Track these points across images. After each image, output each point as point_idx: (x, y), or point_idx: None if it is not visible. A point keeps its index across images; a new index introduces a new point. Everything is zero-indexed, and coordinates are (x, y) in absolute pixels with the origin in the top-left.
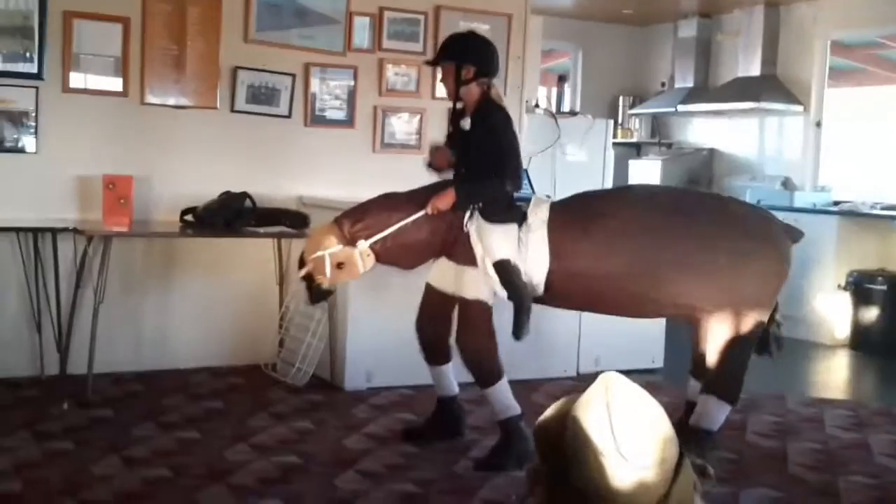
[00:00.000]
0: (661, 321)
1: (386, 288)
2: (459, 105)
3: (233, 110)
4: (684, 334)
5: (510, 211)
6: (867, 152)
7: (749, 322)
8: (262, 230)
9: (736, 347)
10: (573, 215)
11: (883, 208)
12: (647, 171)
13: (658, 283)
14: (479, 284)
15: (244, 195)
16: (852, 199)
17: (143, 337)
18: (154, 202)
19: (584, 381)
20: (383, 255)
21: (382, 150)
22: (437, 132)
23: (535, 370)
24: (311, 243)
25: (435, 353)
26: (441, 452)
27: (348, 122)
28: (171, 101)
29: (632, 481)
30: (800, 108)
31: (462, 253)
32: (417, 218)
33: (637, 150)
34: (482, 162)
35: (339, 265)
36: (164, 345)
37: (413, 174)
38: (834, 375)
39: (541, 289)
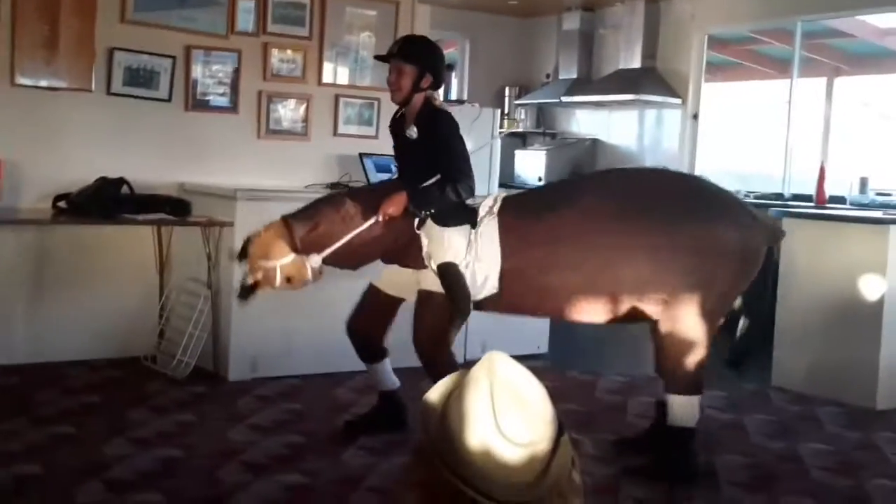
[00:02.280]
0: None
1: None
2: (403, 110)
3: (109, 93)
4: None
5: (462, 212)
6: (741, 144)
7: (708, 313)
8: (140, 217)
9: (693, 340)
10: (525, 208)
11: (756, 198)
12: (532, 161)
13: (613, 274)
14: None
15: (121, 181)
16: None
17: (15, 329)
18: (25, 188)
19: (470, 367)
20: (330, 259)
21: (267, 136)
22: (325, 118)
23: None
24: (259, 246)
25: (370, 352)
26: (328, 443)
27: (232, 107)
28: (44, 83)
29: (510, 458)
30: (678, 100)
31: (417, 257)
32: (370, 225)
33: (523, 139)
34: (435, 169)
35: (289, 279)
36: (38, 337)
37: (299, 161)
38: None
39: (495, 286)
